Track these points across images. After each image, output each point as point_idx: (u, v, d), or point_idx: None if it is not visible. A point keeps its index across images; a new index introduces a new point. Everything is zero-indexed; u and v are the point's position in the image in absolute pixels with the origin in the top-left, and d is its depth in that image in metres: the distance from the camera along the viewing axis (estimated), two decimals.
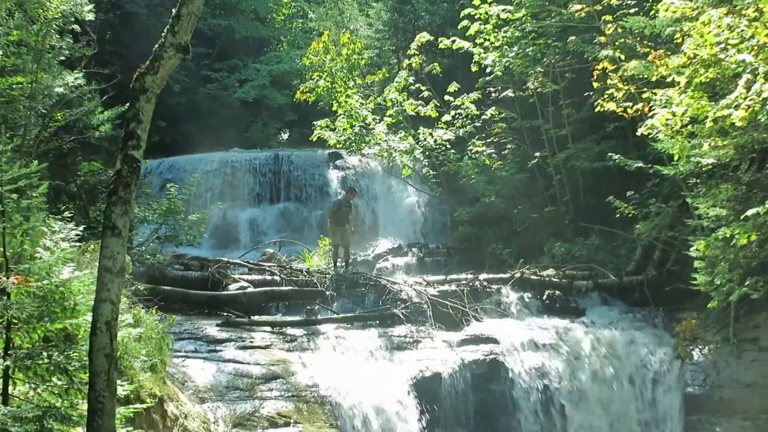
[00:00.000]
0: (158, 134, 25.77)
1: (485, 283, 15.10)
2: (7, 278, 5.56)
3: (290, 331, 12.31)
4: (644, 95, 13.26)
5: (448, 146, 20.28)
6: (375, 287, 14.83)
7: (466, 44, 18.76)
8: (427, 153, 20.74)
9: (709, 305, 11.77)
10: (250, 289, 14.18)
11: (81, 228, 7.29)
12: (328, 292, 14.32)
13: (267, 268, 15.74)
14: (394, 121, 20.40)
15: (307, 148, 25.65)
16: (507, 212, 19.56)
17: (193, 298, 13.64)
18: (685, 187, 13.69)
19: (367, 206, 22.93)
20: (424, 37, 20.46)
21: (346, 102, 20.51)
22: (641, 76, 13.44)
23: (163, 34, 5.70)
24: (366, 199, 22.96)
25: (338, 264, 16.03)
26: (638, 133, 12.31)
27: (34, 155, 11.51)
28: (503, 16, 18.13)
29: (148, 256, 14.37)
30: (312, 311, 13.70)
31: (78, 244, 7.30)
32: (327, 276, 15.15)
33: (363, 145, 20.37)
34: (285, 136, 35.20)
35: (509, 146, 20.43)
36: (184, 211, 15.61)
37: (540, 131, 19.05)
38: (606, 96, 14.35)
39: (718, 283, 11.30)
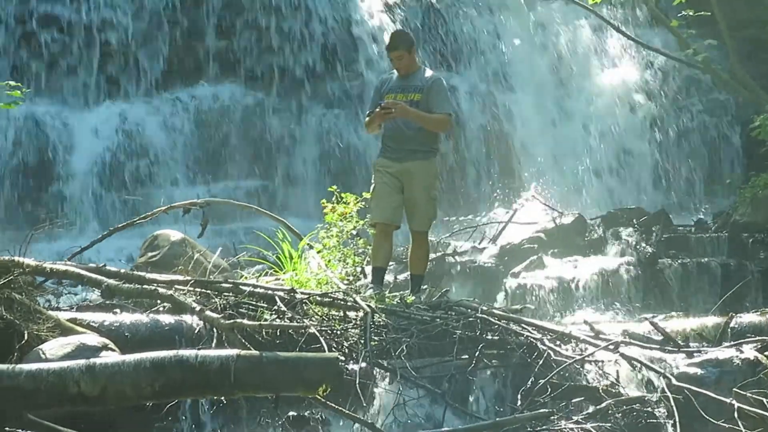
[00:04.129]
0: None
1: None
2: None
3: None
4: None
5: None
6: (501, 347, 14.66)
7: None
8: None
9: None
10: (111, 357, 12.97)
11: None
12: (352, 367, 14.00)
13: (161, 291, 15.12)
14: None
15: None
16: None
17: None
18: None
19: (481, 104, 23.75)
20: None
21: None
22: None
23: None
24: (472, 78, 24.02)
25: (383, 279, 16.15)
26: None
27: None
28: None
29: None
30: (301, 424, 13.40)
31: None
32: (351, 314, 15.04)
33: None
34: None
35: None
36: None
37: None
38: None
39: None
